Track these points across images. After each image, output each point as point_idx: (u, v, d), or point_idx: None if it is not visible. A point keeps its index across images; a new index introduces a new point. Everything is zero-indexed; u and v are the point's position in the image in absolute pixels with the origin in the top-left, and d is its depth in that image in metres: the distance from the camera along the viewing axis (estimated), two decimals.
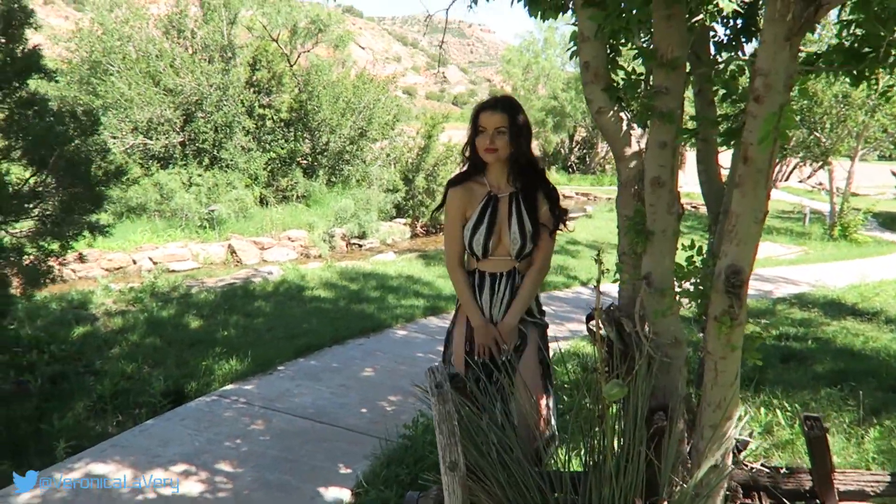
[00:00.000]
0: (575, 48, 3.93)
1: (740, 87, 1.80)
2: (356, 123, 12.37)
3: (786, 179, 31.28)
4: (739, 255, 1.76)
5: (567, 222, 2.71)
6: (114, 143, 11.08)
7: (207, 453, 3.52)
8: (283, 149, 12.32)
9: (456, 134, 14.99)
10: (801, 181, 29.01)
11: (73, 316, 6.00)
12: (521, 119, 2.59)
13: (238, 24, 12.87)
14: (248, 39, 13.32)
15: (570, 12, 2.72)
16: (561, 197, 2.78)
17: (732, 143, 1.74)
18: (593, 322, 2.43)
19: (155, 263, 9.89)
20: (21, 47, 4.22)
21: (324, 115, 12.09)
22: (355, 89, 12.36)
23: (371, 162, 13.20)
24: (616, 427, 2.12)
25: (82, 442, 3.66)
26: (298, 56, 13.27)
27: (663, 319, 2.13)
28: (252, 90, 12.56)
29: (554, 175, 29.38)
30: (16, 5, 4.18)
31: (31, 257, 4.33)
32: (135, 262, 9.96)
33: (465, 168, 2.79)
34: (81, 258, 8.30)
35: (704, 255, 2.05)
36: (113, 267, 9.70)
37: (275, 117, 12.62)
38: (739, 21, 2.24)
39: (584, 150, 33.29)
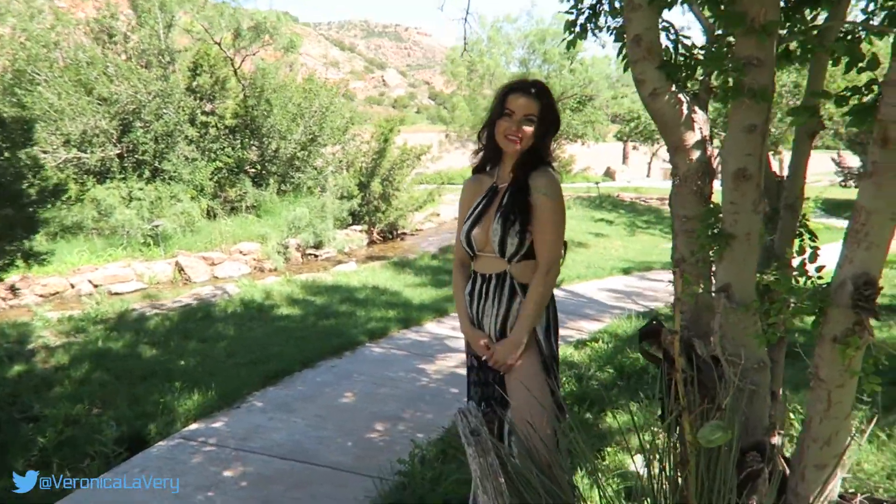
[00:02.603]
0: (569, 38, 3.57)
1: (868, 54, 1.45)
2: (308, 128, 11.80)
3: None
4: (870, 260, 1.41)
5: None
6: (44, 159, 10.21)
7: None
8: (229, 157, 11.65)
9: (411, 137, 14.59)
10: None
11: (3, 352, 5.32)
12: (554, 110, 2.22)
13: (176, 28, 12.12)
14: (188, 43, 12.57)
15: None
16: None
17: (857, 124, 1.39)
18: (651, 343, 2.07)
19: (95, 286, 9.12)
20: None
21: (274, 121, 11.47)
22: (306, 93, 11.78)
23: (323, 168, 12.65)
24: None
25: None
26: (243, 60, 12.59)
27: (747, 341, 1.77)
28: (194, 97, 11.84)
29: None
30: None
31: None
32: (73, 286, 9.16)
33: (478, 157, 2.43)
34: (14, 291, 7.52)
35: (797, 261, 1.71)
36: (48, 293, 8.89)
37: (219, 124, 11.93)
38: None
39: None
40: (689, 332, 1.87)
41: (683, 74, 1.86)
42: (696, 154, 1.86)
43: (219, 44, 12.10)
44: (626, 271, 9.23)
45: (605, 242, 11.91)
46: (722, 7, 1.56)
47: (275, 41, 12.51)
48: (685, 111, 1.84)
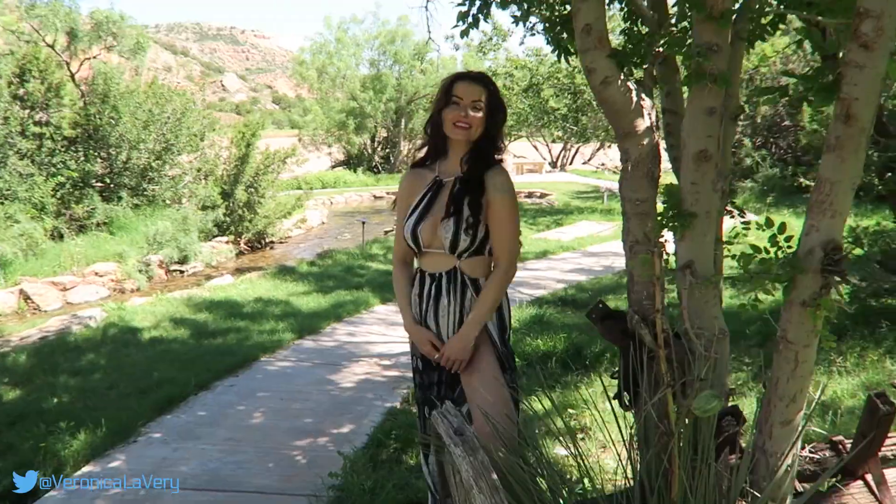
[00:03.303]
0: (462, 27, 3.60)
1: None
2: (162, 136, 10.98)
3: (570, 163, 34.07)
4: (835, 227, 1.54)
5: None
6: None
7: None
8: (72, 171, 10.56)
9: (273, 142, 14.06)
10: (584, 163, 31.69)
11: None
12: (500, 98, 2.22)
13: None
14: (11, 45, 11.18)
15: None
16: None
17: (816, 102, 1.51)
18: (607, 324, 2.12)
19: None
20: None
21: (123, 129, 10.54)
22: (158, 98, 10.94)
23: (179, 178, 11.84)
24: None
25: None
26: (81, 64, 11.42)
27: (709, 312, 1.87)
28: (22, 105, 10.58)
29: (361, 177, 29.08)
30: None
31: None
32: None
33: (423, 152, 2.37)
34: None
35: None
36: None
37: (55, 135, 10.77)
38: None
39: (388, 150, 33.38)
40: (650, 310, 1.94)
41: (633, 62, 1.92)
42: (646, 139, 1.93)
43: (51, 46, 10.89)
44: None
45: None
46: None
47: (119, 43, 11.47)
48: (634, 98, 1.91)
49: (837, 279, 1.52)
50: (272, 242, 12.91)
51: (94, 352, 5.59)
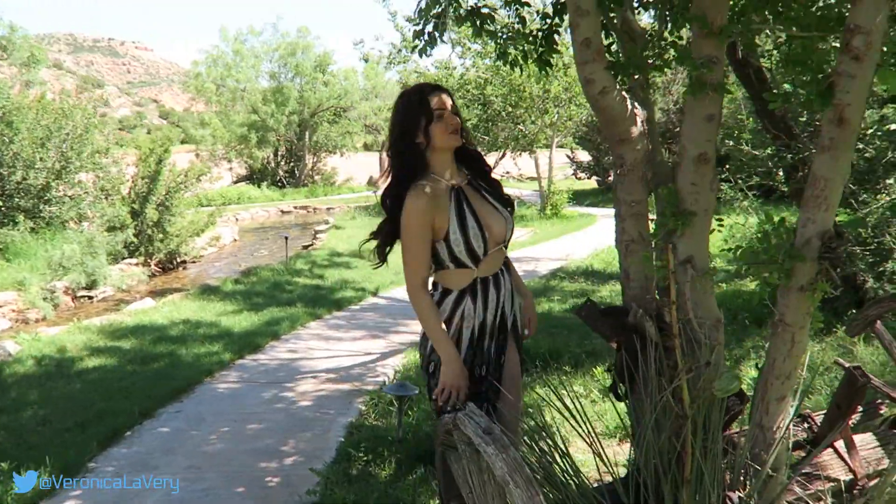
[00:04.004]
0: (420, 46, 3.70)
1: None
2: (63, 154, 10.28)
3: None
4: (828, 219, 1.72)
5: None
6: None
7: None
8: None
9: (179, 158, 13.50)
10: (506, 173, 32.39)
11: None
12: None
13: None
14: None
15: None
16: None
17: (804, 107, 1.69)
18: (608, 321, 2.24)
19: None
20: None
21: (18, 147, 9.77)
22: (56, 114, 10.23)
23: (80, 198, 11.14)
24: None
25: None
26: None
27: (707, 302, 2.03)
28: None
29: (266, 192, 28.40)
30: None
31: None
32: None
33: (395, 173, 2.23)
34: None
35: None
36: None
37: None
38: None
39: (292, 164, 32.78)
40: (658, 304, 2.08)
41: (629, 73, 2.06)
42: (639, 145, 2.08)
43: None
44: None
45: (399, 247, 12.20)
46: (683, 12, 1.77)
47: (10, 55, 10.62)
48: (629, 107, 2.05)
49: (831, 266, 1.70)
50: (185, 262, 12.39)
51: (18, 387, 5.18)
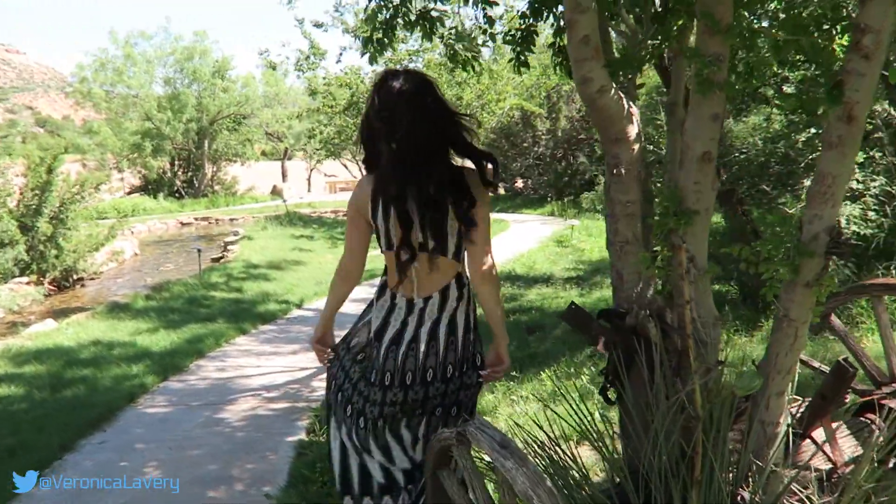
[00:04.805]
0: (369, 54, 3.59)
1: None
2: None
3: None
4: (833, 215, 1.77)
5: None
6: None
7: None
8: None
9: (72, 168, 12.51)
10: None
11: None
12: None
13: None
14: None
15: None
16: None
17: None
18: (598, 321, 2.21)
19: None
20: None
21: None
22: None
23: None
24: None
25: None
26: None
27: (706, 301, 2.04)
28: None
29: (163, 203, 26.98)
30: None
31: None
32: None
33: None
34: None
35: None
36: None
37: None
38: None
39: (191, 173, 31.37)
40: (658, 304, 2.06)
41: (626, 71, 2.04)
42: (636, 144, 2.06)
43: None
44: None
45: (317, 257, 11.90)
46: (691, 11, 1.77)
47: None
48: (626, 106, 2.03)
49: (837, 259, 1.73)
50: (82, 279, 11.50)
51: None
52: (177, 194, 29.69)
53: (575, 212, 15.68)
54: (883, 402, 2.47)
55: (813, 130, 4.48)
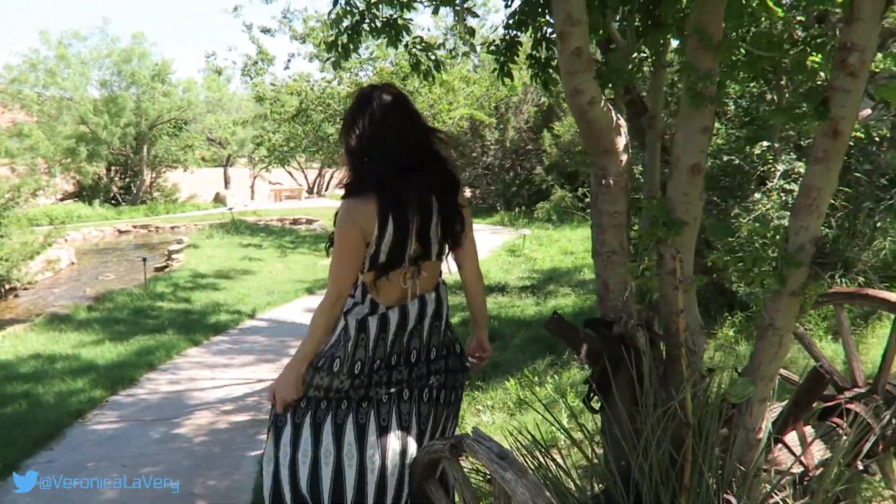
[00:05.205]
0: (333, 59, 3.56)
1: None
2: None
3: (326, 189, 34.28)
4: (818, 226, 1.83)
5: None
6: None
7: None
8: None
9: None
10: (338, 187, 32.15)
11: None
12: None
13: None
14: None
15: None
16: None
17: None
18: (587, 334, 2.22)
19: None
20: None
21: None
22: None
23: None
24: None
25: None
26: None
27: (691, 309, 2.08)
28: None
29: (99, 210, 25.96)
30: None
31: None
32: None
33: None
34: None
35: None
36: None
37: None
38: None
39: (128, 179, 30.35)
40: (647, 313, 2.09)
41: (616, 83, 2.07)
42: (624, 156, 2.09)
43: None
44: (310, 290, 9.24)
45: (267, 266, 11.64)
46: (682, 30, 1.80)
47: None
48: (614, 118, 2.06)
49: (821, 270, 1.79)
50: (15, 289, 10.92)
51: None
52: (113, 201, 28.62)
53: (526, 221, 15.85)
54: (848, 406, 2.57)
55: (766, 144, 4.66)
